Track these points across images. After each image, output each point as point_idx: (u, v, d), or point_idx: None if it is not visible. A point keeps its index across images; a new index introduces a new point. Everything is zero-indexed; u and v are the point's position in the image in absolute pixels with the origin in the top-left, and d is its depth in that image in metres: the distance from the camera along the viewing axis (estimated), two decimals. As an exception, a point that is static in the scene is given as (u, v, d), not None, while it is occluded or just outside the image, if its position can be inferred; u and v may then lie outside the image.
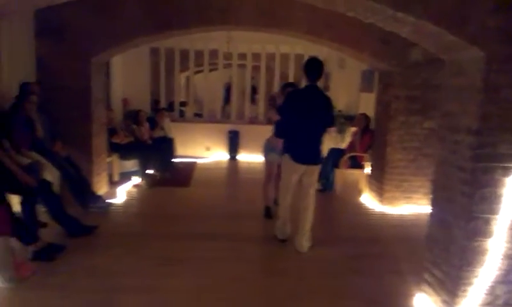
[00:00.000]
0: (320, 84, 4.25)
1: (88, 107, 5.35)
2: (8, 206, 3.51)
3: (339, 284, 3.56)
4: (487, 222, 2.80)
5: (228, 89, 12.00)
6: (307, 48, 8.94)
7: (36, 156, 4.37)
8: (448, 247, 2.97)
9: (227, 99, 12.21)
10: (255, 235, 4.70)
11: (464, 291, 2.86)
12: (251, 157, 8.74)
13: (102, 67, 5.75)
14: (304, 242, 4.16)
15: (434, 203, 3.24)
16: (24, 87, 4.66)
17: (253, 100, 11.51)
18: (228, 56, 9.34)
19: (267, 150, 5.05)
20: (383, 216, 5.49)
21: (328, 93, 9.91)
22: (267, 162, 5.12)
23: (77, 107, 5.28)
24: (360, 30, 5.37)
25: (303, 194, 4.23)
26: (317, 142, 4.17)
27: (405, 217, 5.47)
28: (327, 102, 4.16)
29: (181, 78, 12.75)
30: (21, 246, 3.62)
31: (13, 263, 3.24)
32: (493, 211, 2.79)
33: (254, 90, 12.33)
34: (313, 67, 4.01)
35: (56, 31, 5.13)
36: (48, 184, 4.20)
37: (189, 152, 8.67)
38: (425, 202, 5.65)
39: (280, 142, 4.52)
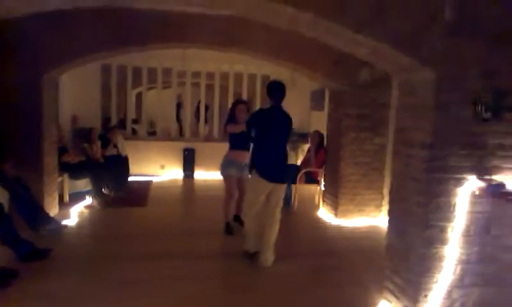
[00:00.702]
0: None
1: (39, 125, 5.13)
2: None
3: (303, 299, 3.62)
4: (442, 229, 3.01)
5: (178, 106, 11.94)
6: (260, 67, 9.20)
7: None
8: (408, 255, 3.15)
9: (178, 117, 12.08)
10: (214, 252, 4.68)
11: (426, 296, 3.04)
12: (207, 175, 8.73)
13: (54, 83, 5.55)
14: (269, 256, 4.22)
15: (391, 214, 3.43)
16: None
17: (205, 119, 11.51)
18: (181, 74, 9.32)
19: (226, 166, 5.11)
20: (338, 229, 5.68)
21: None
22: (226, 178, 5.15)
23: (27, 124, 5.04)
24: (315, 51, 5.60)
25: (269, 212, 4.27)
26: (284, 160, 4.32)
27: (359, 229, 5.69)
28: (289, 122, 4.33)
29: (132, 96, 12.51)
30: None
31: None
32: (447, 219, 3.01)
33: (206, 108, 12.36)
34: (278, 89, 4.23)
35: (6, 43, 4.88)
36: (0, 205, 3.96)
37: (143, 171, 8.50)
38: (376, 214, 5.98)
39: (240, 155, 4.86)
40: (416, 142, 3.08)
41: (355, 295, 3.67)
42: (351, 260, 4.51)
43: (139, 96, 12.26)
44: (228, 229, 5.16)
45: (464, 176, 3.00)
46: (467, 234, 3.04)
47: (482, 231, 3.05)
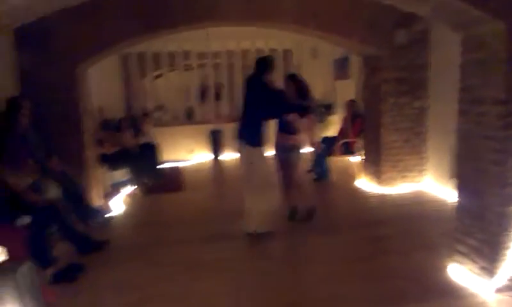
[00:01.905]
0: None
1: (77, 119, 5.08)
2: (23, 230, 3.27)
3: (370, 266, 3.60)
4: (521, 187, 2.91)
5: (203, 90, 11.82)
6: (282, 42, 9.03)
7: (36, 174, 4.09)
8: (483, 215, 3.07)
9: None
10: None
11: (503, 255, 2.97)
12: (236, 155, 8.66)
13: (85, 76, 5.47)
14: (249, 222, 4.34)
15: (461, 175, 3.32)
16: (14, 102, 4.34)
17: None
18: (201, 56, 9.19)
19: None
20: (383, 197, 5.61)
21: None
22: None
23: (66, 119, 4.99)
24: (347, 17, 5.47)
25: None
26: (253, 127, 4.30)
27: (404, 195, 5.61)
28: (268, 94, 4.27)
29: (146, 83, 12.47)
30: (38, 271, 3.39)
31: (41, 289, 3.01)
32: (525, 176, 2.91)
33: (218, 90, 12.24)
34: (259, 63, 4.40)
35: (37, 42, 4.81)
36: (55, 203, 3.94)
37: (172, 156, 8.46)
38: (420, 179, 5.88)
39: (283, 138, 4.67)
40: (488, 99, 2.96)
41: (422, 260, 3.62)
42: (407, 227, 4.44)
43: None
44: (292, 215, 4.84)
45: (540, 129, 2.88)
46: (544, 189, 2.94)
47: (561, 185, 2.95)
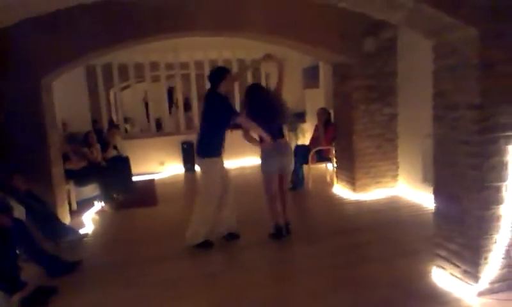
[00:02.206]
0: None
1: (43, 133, 4.85)
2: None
3: (353, 274, 3.57)
4: (498, 189, 2.97)
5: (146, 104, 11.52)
6: (250, 51, 9.01)
7: (0, 193, 3.84)
8: (462, 219, 3.10)
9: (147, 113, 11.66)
10: (243, 243, 4.51)
11: (486, 258, 3.01)
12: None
13: (50, 89, 5.24)
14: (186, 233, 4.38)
15: (438, 181, 3.35)
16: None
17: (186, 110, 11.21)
18: (169, 67, 9.05)
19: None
20: (359, 203, 5.64)
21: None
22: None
23: (31, 134, 4.77)
24: (316, 26, 5.51)
25: None
26: (202, 137, 4.36)
27: (379, 201, 5.67)
28: (217, 103, 4.24)
29: (110, 95, 12.19)
30: (4, 297, 3.17)
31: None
32: (502, 178, 2.96)
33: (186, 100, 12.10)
34: (210, 76, 4.40)
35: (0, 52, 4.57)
36: (21, 222, 3.71)
37: (143, 169, 8.24)
38: (394, 184, 5.97)
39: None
40: (463, 104, 3.01)
41: (404, 266, 3.63)
42: (385, 233, 4.45)
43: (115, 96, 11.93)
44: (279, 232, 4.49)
45: (514, 133, 2.96)
46: (520, 191, 3.02)
47: (535, 186, 3.03)
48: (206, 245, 4.35)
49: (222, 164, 4.50)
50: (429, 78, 3.36)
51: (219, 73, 4.33)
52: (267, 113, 4.32)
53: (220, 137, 4.34)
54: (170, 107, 10.37)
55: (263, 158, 4.45)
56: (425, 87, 3.63)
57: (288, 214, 4.57)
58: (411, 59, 5.47)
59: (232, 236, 4.53)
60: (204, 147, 4.33)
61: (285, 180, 4.61)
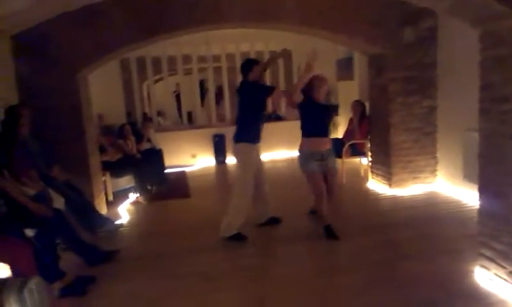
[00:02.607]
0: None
1: (81, 126, 4.96)
2: (29, 243, 3.13)
3: (393, 273, 3.47)
4: (548, 187, 2.80)
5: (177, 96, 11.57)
6: (281, 43, 8.90)
7: (39, 184, 3.95)
8: (509, 218, 2.95)
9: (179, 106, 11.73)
10: (280, 236, 4.51)
11: (533, 258, 2.86)
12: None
13: (86, 82, 5.34)
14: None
15: (484, 177, 3.19)
16: (13, 111, 4.21)
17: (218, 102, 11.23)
18: (201, 60, 9.08)
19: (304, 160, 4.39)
20: (395, 199, 5.48)
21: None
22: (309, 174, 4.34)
23: (69, 126, 4.88)
24: (352, 15, 5.37)
25: None
26: (238, 123, 4.51)
27: (417, 197, 5.49)
28: (246, 89, 4.44)
29: (143, 88, 12.38)
30: (44, 286, 3.24)
31: (50, 305, 2.87)
32: (552, 175, 2.80)
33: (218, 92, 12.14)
34: (241, 68, 4.57)
35: (36, 47, 4.69)
36: (60, 212, 3.81)
37: (175, 162, 8.32)
38: (432, 179, 5.77)
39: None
40: (511, 96, 2.85)
41: (445, 265, 3.49)
42: (424, 230, 4.30)
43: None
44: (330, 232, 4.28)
45: None
46: None
47: None
48: (239, 238, 4.35)
49: (258, 153, 4.54)
50: (472, 69, 3.21)
51: (247, 65, 4.50)
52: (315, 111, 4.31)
53: (256, 124, 4.41)
54: (202, 100, 10.40)
55: (300, 157, 4.35)
56: (467, 78, 3.46)
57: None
58: (453, 49, 5.24)
59: (274, 221, 4.72)
60: (240, 133, 4.42)
61: (333, 182, 4.35)
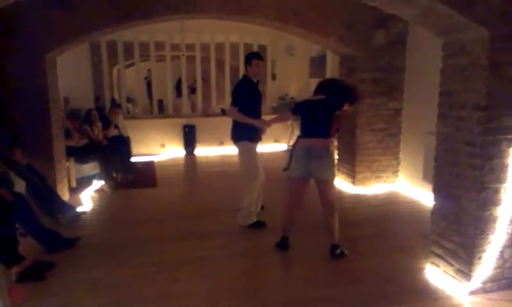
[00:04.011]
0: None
1: (46, 109, 4.84)
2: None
3: (350, 267, 3.60)
4: (496, 191, 2.98)
5: (148, 83, 11.49)
6: (257, 37, 8.97)
7: (2, 166, 3.85)
8: (459, 218, 3.12)
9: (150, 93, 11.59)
10: (244, 229, 4.56)
11: (480, 258, 3.04)
12: (208, 151, 8.59)
13: (55, 64, 5.21)
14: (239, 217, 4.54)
15: (438, 179, 3.36)
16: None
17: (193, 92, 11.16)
18: (175, 47, 8.99)
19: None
20: (358, 197, 5.65)
21: (275, 81, 10.23)
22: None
23: (34, 109, 4.76)
24: (326, 16, 5.46)
25: None
26: (234, 121, 4.50)
27: (379, 196, 5.68)
28: (239, 84, 4.59)
29: (113, 72, 12.13)
30: (2, 269, 3.18)
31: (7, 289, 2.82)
32: (501, 180, 2.98)
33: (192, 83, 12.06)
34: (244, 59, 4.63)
35: (4, 27, 4.53)
36: (21, 196, 3.73)
37: (143, 150, 8.24)
38: (393, 179, 5.97)
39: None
40: (469, 104, 3.00)
41: (400, 261, 3.66)
42: (383, 228, 4.49)
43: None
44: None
45: (516, 136, 2.96)
46: (519, 193, 3.02)
47: (534, 190, 3.04)
48: (260, 225, 4.49)
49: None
50: (437, 75, 3.34)
51: (246, 58, 4.54)
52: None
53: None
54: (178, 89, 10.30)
55: (291, 157, 3.86)
56: (432, 84, 3.60)
57: (335, 236, 3.77)
58: (420, 55, 5.42)
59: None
60: (233, 131, 4.49)
61: (325, 192, 3.71)
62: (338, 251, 3.74)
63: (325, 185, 3.69)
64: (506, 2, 2.79)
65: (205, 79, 9.72)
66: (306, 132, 3.79)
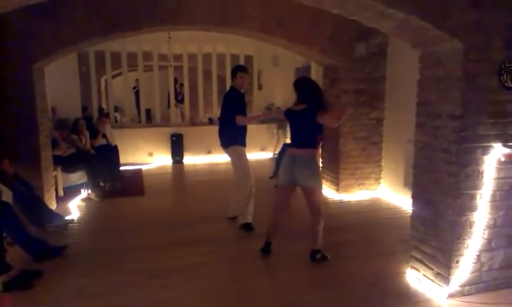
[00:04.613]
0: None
1: (33, 118, 4.87)
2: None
3: (331, 272, 3.70)
4: (472, 197, 3.11)
5: (136, 93, 11.56)
6: (243, 48, 9.10)
7: (-12, 176, 3.88)
8: (437, 223, 3.24)
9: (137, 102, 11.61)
10: (229, 236, 4.63)
11: (457, 262, 3.15)
12: (196, 159, 8.66)
13: (42, 74, 5.25)
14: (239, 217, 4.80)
15: (417, 185, 3.49)
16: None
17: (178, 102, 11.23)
18: (162, 58, 9.08)
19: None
20: (342, 204, 5.78)
21: (261, 91, 10.37)
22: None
23: (22, 118, 4.79)
24: (310, 28, 5.61)
25: None
26: (222, 129, 4.85)
27: (362, 202, 5.82)
28: (227, 95, 4.90)
29: (101, 82, 12.14)
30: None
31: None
32: (476, 187, 3.11)
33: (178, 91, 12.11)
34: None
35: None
36: (8, 206, 3.75)
37: (131, 159, 8.28)
38: (376, 187, 6.12)
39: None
40: (445, 113, 3.14)
41: (381, 266, 3.77)
42: (365, 234, 4.60)
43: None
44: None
45: (491, 144, 3.10)
46: (494, 199, 3.16)
47: (508, 196, 3.18)
48: (248, 227, 4.68)
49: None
50: (416, 86, 3.48)
51: (232, 70, 4.88)
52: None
53: (240, 127, 4.65)
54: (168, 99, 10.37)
55: (278, 165, 4.20)
56: (411, 94, 3.74)
57: (318, 242, 3.87)
58: (399, 66, 5.61)
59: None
60: (229, 137, 4.72)
61: (311, 199, 3.78)
62: (318, 256, 3.85)
63: (310, 192, 3.77)
64: (478, 15, 2.95)
65: (192, 87, 9.81)
66: (292, 141, 3.92)
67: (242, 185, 4.69)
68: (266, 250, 4.02)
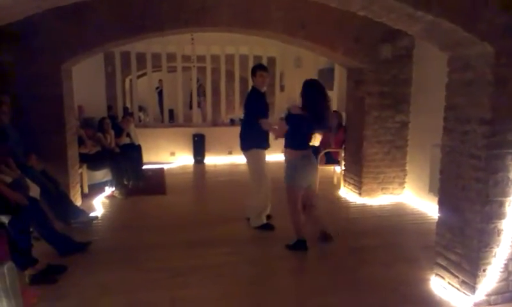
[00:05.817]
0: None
1: (61, 116, 4.98)
2: (4, 229, 3.18)
3: (355, 277, 3.66)
4: (501, 204, 3.03)
5: (160, 93, 11.69)
6: (266, 49, 9.10)
7: (16, 172, 3.98)
8: (464, 231, 3.16)
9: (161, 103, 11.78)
10: (252, 237, 4.65)
11: (484, 270, 3.07)
12: (217, 159, 8.70)
13: (70, 74, 5.37)
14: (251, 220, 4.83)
15: (443, 191, 3.41)
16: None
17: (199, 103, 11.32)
18: (186, 59, 9.16)
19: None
20: (364, 208, 5.70)
21: (283, 92, 10.34)
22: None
23: (50, 116, 4.90)
24: (334, 30, 5.56)
25: None
26: (242, 132, 4.83)
27: (384, 207, 5.72)
28: (248, 95, 4.84)
29: (126, 82, 12.34)
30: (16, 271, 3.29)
31: (20, 290, 2.93)
32: (505, 194, 3.02)
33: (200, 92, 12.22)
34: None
35: (21, 36, 4.69)
36: (35, 201, 3.85)
37: (153, 158, 8.37)
38: (400, 191, 6.01)
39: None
40: (474, 118, 3.06)
41: (404, 272, 3.70)
42: (388, 239, 4.53)
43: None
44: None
45: (521, 150, 3.01)
46: (523, 207, 3.06)
47: (538, 204, 3.08)
48: (268, 227, 4.74)
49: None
50: (443, 89, 3.41)
51: (252, 69, 4.86)
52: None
53: (259, 129, 4.61)
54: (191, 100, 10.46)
55: (290, 168, 4.13)
56: (438, 98, 3.67)
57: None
58: (426, 69, 5.50)
59: (268, 217, 4.90)
60: (242, 140, 4.76)
61: (313, 195, 4.39)
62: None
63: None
64: (509, 18, 2.87)
65: (215, 89, 9.88)
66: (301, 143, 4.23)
67: (257, 187, 4.72)
68: (305, 247, 4.15)
